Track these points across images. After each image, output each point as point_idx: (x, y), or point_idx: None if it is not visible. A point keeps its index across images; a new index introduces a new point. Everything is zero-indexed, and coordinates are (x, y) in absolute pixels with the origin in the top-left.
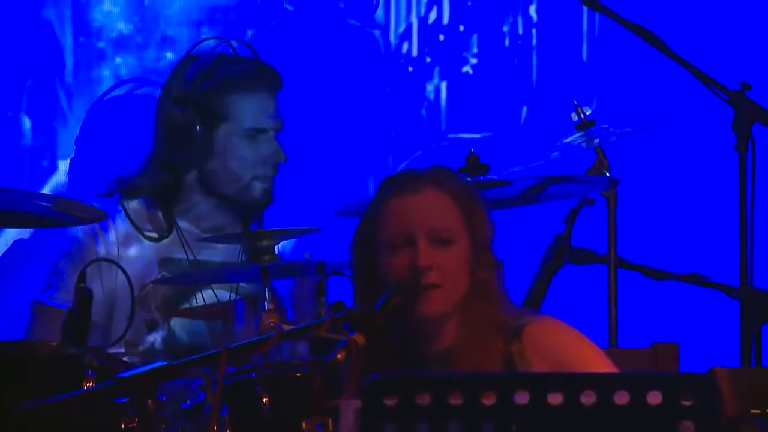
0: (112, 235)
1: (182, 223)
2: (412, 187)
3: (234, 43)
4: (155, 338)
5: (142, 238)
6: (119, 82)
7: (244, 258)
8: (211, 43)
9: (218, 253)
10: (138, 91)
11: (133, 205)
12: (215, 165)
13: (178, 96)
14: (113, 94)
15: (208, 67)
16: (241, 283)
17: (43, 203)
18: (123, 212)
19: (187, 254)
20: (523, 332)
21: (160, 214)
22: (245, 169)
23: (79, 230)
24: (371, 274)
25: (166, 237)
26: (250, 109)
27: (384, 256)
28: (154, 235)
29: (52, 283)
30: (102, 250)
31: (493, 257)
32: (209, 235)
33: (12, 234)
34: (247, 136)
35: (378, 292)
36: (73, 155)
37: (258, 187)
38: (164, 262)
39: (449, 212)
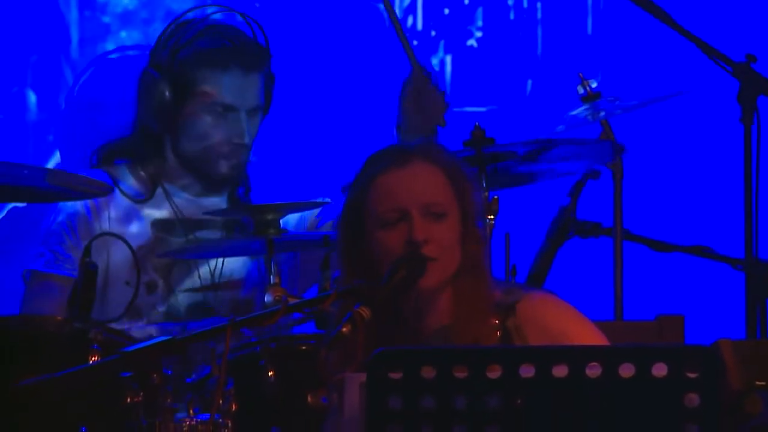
0: (105, 217)
1: (177, 192)
2: (401, 162)
3: (238, 17)
4: (157, 303)
5: (134, 212)
6: (119, 48)
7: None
8: (210, 10)
9: (202, 209)
10: (130, 52)
11: (118, 169)
12: (183, 135)
13: (155, 61)
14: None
15: (190, 36)
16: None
17: (47, 178)
18: (109, 178)
19: (176, 214)
20: (517, 307)
21: (143, 174)
22: (208, 145)
23: (75, 207)
24: (362, 250)
25: (150, 198)
26: (220, 85)
27: (377, 232)
28: (140, 197)
29: (44, 251)
30: (96, 227)
31: (482, 232)
32: (208, 200)
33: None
34: (212, 111)
35: (371, 267)
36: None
37: (224, 165)
38: (157, 223)
39: (441, 185)
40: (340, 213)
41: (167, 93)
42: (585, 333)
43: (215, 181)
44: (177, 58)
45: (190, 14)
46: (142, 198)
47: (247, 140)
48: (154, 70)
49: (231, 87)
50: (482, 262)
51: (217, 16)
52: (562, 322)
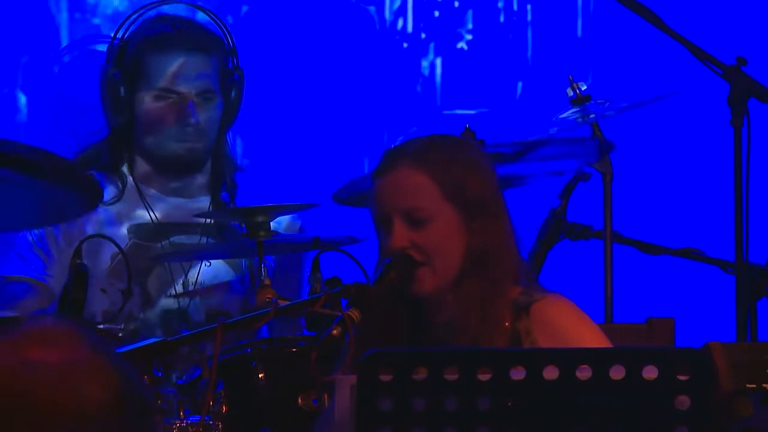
0: (91, 221)
1: (147, 190)
2: (389, 166)
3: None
4: (138, 309)
5: (116, 218)
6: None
7: (211, 222)
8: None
9: (182, 213)
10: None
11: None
12: (140, 125)
13: (110, 57)
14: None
15: (136, 27)
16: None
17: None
18: None
19: (152, 219)
20: (531, 309)
21: (115, 177)
22: (158, 130)
23: None
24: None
25: (121, 198)
26: (162, 70)
27: (379, 236)
28: (111, 200)
29: (12, 257)
30: (76, 232)
31: (494, 227)
32: (188, 201)
33: None
34: (160, 96)
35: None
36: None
37: (178, 147)
38: (133, 228)
39: (423, 191)
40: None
41: (122, 86)
42: (591, 340)
43: (174, 164)
44: (125, 49)
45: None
46: (111, 200)
47: (194, 121)
48: (109, 65)
49: (175, 70)
50: (493, 256)
51: (167, 8)
52: (570, 329)
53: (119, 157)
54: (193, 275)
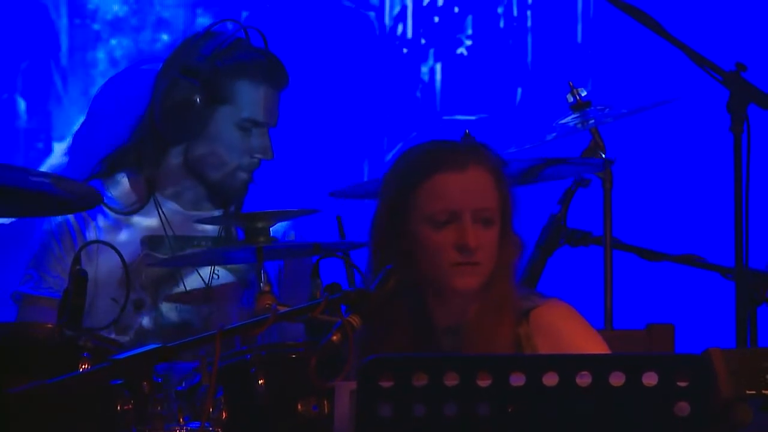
0: (91, 227)
1: (168, 204)
2: (458, 164)
3: (250, 32)
4: (144, 319)
5: (123, 221)
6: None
7: (223, 236)
8: (230, 25)
9: (198, 230)
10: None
11: (115, 182)
12: (204, 145)
13: (189, 68)
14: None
15: (226, 47)
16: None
17: (40, 180)
18: (102, 188)
19: (166, 231)
20: (530, 315)
21: (140, 182)
22: (232, 157)
23: (57, 220)
24: (400, 244)
25: (141, 208)
26: (253, 100)
27: (424, 230)
28: (127, 209)
29: (32, 273)
30: (80, 239)
31: (519, 238)
32: (200, 215)
33: None
34: (241, 124)
35: (408, 262)
36: (70, 141)
37: (239, 177)
38: (146, 240)
39: (492, 192)
40: (380, 204)
41: (199, 100)
42: (590, 345)
43: (221, 192)
44: (216, 66)
45: (214, 28)
46: (129, 210)
47: (270, 156)
48: (187, 77)
49: (263, 102)
50: (513, 270)
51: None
52: (569, 334)
53: (160, 157)
54: (204, 286)
